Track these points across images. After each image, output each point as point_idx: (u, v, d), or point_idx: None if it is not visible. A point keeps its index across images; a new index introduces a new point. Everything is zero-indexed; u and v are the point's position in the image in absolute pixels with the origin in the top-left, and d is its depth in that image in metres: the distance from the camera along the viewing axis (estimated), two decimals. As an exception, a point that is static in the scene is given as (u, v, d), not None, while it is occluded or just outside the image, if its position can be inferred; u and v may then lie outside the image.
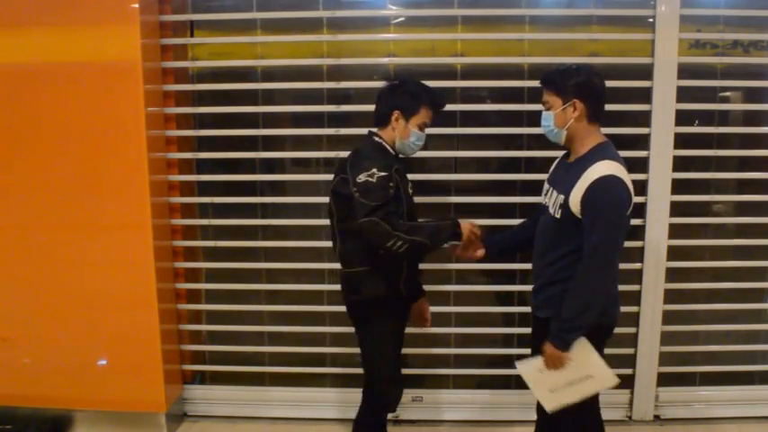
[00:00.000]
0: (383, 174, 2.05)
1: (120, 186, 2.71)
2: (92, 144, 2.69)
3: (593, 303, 1.91)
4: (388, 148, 2.20)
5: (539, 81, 2.03)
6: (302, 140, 3.01)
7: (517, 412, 2.88)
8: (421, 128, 2.19)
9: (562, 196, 1.94)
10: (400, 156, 2.25)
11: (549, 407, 2.04)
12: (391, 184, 2.07)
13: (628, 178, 1.89)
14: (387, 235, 2.01)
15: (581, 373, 1.97)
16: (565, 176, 1.98)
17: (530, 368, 2.06)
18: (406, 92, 2.17)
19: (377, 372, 2.28)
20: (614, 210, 1.86)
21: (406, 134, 2.18)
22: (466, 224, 2.18)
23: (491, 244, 2.29)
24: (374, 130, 2.24)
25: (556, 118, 1.97)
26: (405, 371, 2.51)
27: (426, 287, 2.46)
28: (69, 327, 2.82)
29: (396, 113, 2.16)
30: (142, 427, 2.87)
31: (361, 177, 2.04)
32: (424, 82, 2.24)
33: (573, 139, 1.98)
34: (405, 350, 2.48)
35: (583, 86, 1.94)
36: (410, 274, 2.27)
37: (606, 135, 2.00)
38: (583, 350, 1.94)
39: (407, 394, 2.75)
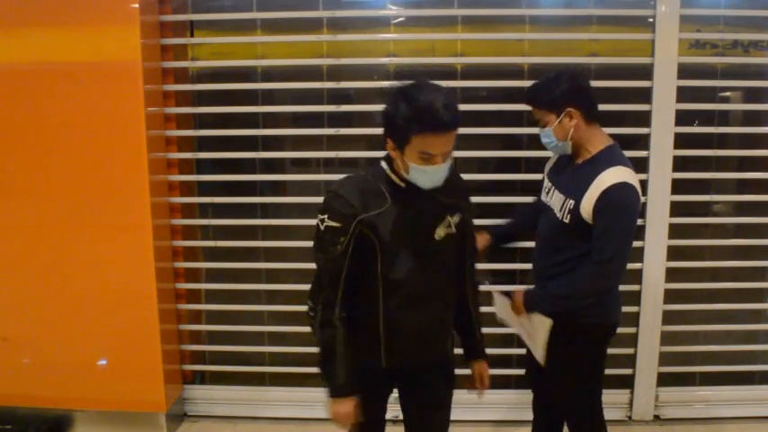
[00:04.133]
0: (333, 225, 1.61)
1: (120, 186, 2.71)
2: (92, 144, 2.69)
3: (581, 300, 1.93)
4: (394, 178, 1.67)
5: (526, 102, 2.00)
6: (302, 140, 3.01)
7: (517, 412, 2.88)
8: (423, 158, 1.55)
9: (572, 201, 1.91)
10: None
11: (510, 323, 2.20)
12: (342, 239, 1.60)
13: (637, 183, 1.87)
14: (312, 294, 1.76)
15: (529, 335, 2.10)
16: (573, 180, 1.95)
17: (503, 299, 2.18)
18: (391, 114, 1.55)
19: None
20: (627, 219, 1.86)
21: (404, 167, 1.61)
22: (341, 408, 1.74)
23: (495, 232, 2.32)
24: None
25: (555, 133, 1.94)
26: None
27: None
28: (69, 327, 2.82)
29: (389, 143, 1.61)
30: (142, 427, 2.87)
31: (317, 218, 1.65)
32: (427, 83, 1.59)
33: (579, 145, 1.96)
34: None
35: (570, 93, 1.91)
36: (408, 342, 1.73)
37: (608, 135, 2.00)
38: (540, 325, 2.01)
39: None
